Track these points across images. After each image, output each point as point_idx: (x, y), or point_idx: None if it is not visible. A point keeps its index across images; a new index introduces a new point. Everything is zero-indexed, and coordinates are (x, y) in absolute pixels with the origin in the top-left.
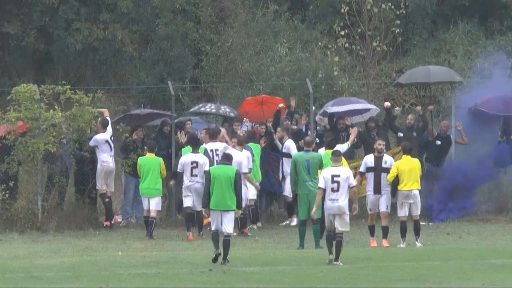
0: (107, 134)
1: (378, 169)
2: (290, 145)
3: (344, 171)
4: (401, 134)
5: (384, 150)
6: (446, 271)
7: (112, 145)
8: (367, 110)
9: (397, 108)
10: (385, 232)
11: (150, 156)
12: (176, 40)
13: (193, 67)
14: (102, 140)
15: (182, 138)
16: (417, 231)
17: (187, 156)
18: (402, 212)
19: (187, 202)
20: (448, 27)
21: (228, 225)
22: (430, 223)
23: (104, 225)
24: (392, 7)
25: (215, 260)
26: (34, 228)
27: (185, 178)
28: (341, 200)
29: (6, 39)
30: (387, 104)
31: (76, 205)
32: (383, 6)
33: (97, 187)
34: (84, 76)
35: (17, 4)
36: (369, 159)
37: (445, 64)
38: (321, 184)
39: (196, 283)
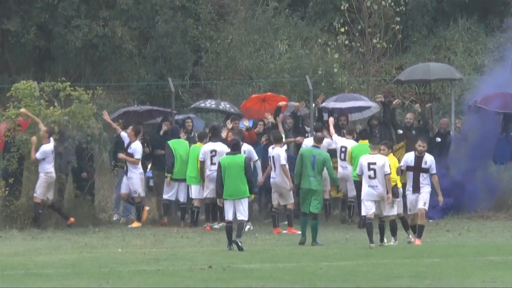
0: (52, 144)
1: (418, 169)
2: (248, 148)
3: (380, 158)
4: (400, 131)
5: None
6: (445, 268)
7: (53, 155)
8: (368, 107)
9: (396, 100)
10: (421, 230)
11: (198, 145)
12: (176, 37)
13: (193, 64)
14: (49, 151)
15: (183, 136)
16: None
17: (207, 145)
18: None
19: (207, 192)
20: (448, 24)
21: (242, 213)
22: (430, 220)
23: (68, 223)
24: (392, 4)
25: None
26: (33, 225)
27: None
28: (380, 186)
29: (6, 36)
30: (380, 98)
31: (76, 202)
32: (383, 3)
33: (35, 195)
34: (84, 73)
35: (17, 1)
36: (409, 158)
37: (445, 61)
38: (358, 171)
39: (196, 280)
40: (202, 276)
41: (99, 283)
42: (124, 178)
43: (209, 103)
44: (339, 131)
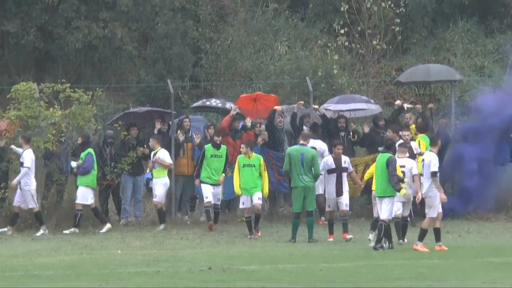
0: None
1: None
2: (164, 155)
3: (409, 162)
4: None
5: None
6: (446, 269)
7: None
8: (369, 109)
9: (397, 102)
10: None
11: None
12: (175, 38)
13: (193, 65)
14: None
15: (181, 136)
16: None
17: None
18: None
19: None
20: (448, 25)
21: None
22: None
23: None
24: (392, 5)
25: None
26: (33, 226)
27: None
28: (408, 188)
29: (6, 37)
30: (398, 102)
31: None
32: (383, 4)
33: None
34: (83, 75)
35: (17, 3)
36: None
37: (445, 63)
38: None
39: (196, 282)
40: (202, 277)
41: (99, 284)
42: (18, 190)
43: (215, 102)
44: (338, 134)
